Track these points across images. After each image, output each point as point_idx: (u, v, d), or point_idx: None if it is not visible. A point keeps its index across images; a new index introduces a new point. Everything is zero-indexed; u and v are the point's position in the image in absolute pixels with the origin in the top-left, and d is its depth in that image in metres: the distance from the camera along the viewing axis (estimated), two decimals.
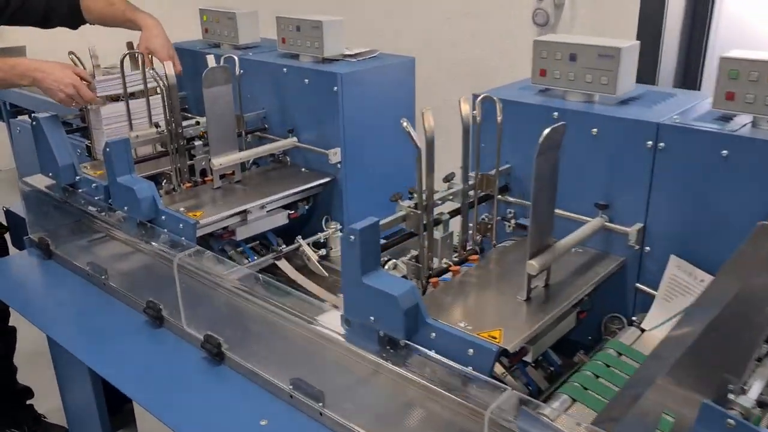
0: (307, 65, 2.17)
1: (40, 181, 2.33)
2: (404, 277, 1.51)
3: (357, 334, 1.41)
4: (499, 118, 1.59)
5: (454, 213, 1.65)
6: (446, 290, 1.48)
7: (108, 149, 1.92)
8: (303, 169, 2.23)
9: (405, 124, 1.38)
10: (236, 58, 2.13)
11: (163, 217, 1.92)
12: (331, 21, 2.13)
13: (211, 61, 2.09)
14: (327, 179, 2.15)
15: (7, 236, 2.71)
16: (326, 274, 2.07)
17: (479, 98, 1.59)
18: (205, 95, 1.98)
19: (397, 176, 2.36)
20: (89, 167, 2.26)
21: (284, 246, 2.08)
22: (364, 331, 1.38)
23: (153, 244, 1.88)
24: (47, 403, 2.89)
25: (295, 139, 2.22)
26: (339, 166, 2.13)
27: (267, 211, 2.05)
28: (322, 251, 2.15)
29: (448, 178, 1.63)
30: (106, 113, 2.25)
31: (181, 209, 1.92)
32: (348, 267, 1.34)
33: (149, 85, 2.22)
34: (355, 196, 2.20)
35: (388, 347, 1.35)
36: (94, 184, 2.15)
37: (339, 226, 2.19)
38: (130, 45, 2.38)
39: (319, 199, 2.20)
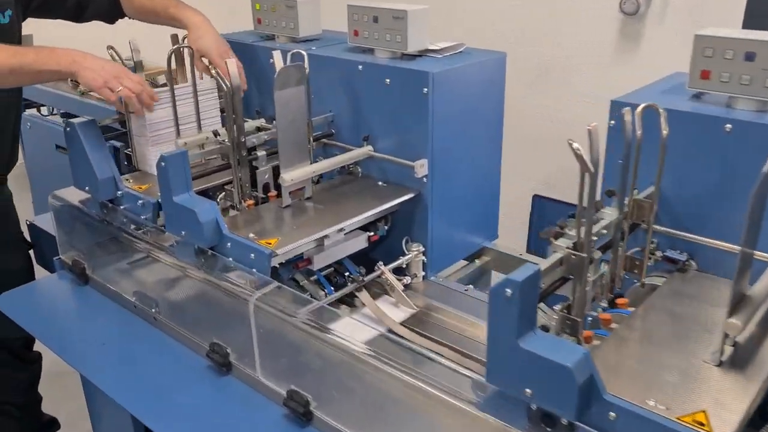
0: (387, 62, 1.86)
1: (73, 195, 2.03)
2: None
3: (493, 404, 1.16)
4: (664, 132, 1.30)
5: (604, 248, 1.35)
6: (608, 350, 1.22)
7: (163, 163, 1.61)
8: (380, 183, 1.93)
9: (575, 146, 1.09)
10: (305, 54, 1.82)
11: (229, 245, 1.62)
12: (416, 10, 1.82)
13: (278, 57, 1.78)
14: (411, 195, 1.84)
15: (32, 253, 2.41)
16: (414, 308, 1.78)
17: (639, 108, 1.29)
18: (276, 99, 1.67)
19: (484, 190, 2.07)
20: (131, 180, 1.96)
21: (364, 274, 1.77)
22: (504, 401, 1.14)
23: (222, 278, 1.58)
24: None
25: (370, 147, 1.92)
26: (425, 179, 1.82)
27: (344, 234, 1.75)
28: (406, 279, 1.85)
29: (598, 207, 1.33)
30: (152, 118, 1.94)
31: (251, 235, 1.61)
32: (499, 327, 1.09)
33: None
34: (440, 214, 1.90)
35: (542, 425, 1.11)
36: (140, 201, 1.85)
37: (422, 248, 1.89)
38: (175, 38, 2.07)
39: (398, 217, 1.89)
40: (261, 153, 1.84)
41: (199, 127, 2.05)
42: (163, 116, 1.97)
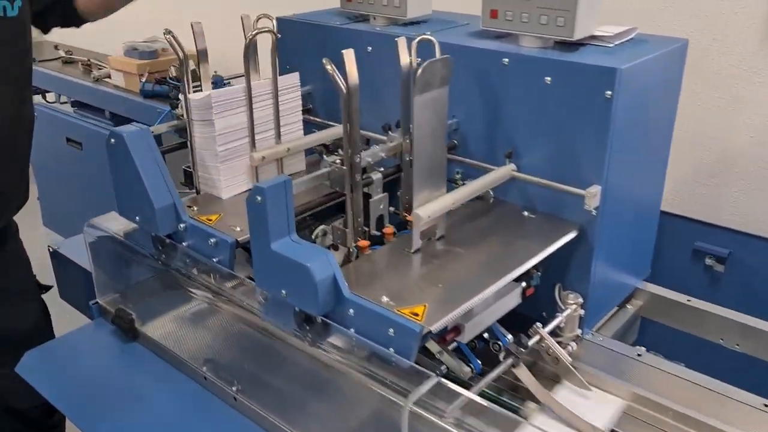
0: (543, 54, 1.39)
1: (115, 223, 1.57)
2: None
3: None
4: None
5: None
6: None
7: (259, 198, 1.14)
8: (525, 213, 1.46)
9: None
10: (434, 41, 1.35)
11: (351, 311, 1.16)
12: None
13: (402, 45, 1.31)
14: (574, 233, 1.38)
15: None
16: (590, 387, 1.33)
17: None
18: (415, 105, 1.20)
19: (645, 216, 1.62)
20: (195, 209, 1.49)
21: (520, 342, 1.31)
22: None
23: (346, 360, 1.13)
24: None
25: (513, 167, 1.45)
26: (594, 212, 1.36)
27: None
28: (571, 346, 1.40)
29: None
30: (225, 127, 1.47)
31: (384, 299, 1.15)
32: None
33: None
34: (605, 254, 1.44)
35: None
36: (211, 240, 1.38)
37: (580, 299, 1.43)
38: (247, 20, 1.58)
39: (552, 259, 1.43)
40: (376, 176, 1.37)
41: (278, 135, 1.58)
42: (236, 124, 1.50)
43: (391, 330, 1.12)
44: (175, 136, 1.66)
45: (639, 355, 1.44)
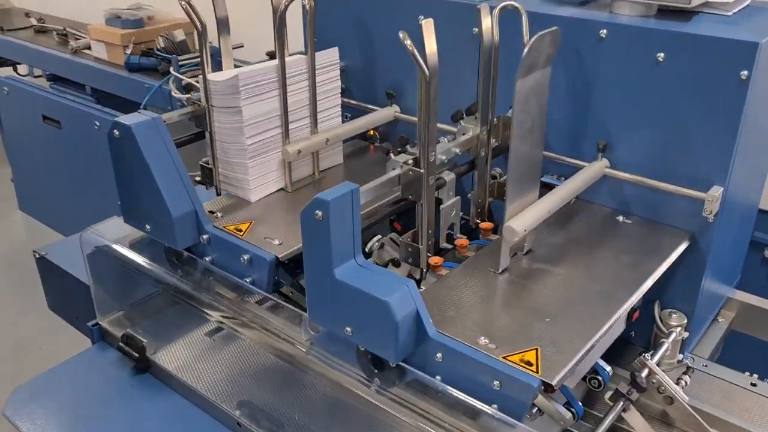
0: (656, 24, 1.13)
1: (118, 231, 1.29)
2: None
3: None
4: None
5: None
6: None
7: (324, 211, 0.88)
8: (619, 218, 1.22)
9: None
10: (521, 8, 1.08)
11: (438, 356, 0.91)
12: None
13: (485, 13, 1.04)
14: (686, 243, 1.14)
15: None
16: (710, 429, 1.10)
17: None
18: (517, 90, 0.94)
19: (745, 220, 1.38)
20: (218, 215, 1.22)
21: (635, 382, 1.07)
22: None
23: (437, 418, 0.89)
24: None
25: (606, 162, 1.20)
26: (711, 218, 1.12)
27: None
28: (684, 380, 1.16)
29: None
30: (252, 115, 1.19)
31: (482, 341, 0.90)
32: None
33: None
34: (714, 267, 1.21)
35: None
36: (244, 256, 1.12)
37: (684, 321, 1.20)
38: None
39: None
40: (449, 176, 1.11)
41: (315, 124, 1.31)
42: (267, 111, 1.22)
43: (496, 383, 0.87)
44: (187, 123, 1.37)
45: (754, 384, 1.21)
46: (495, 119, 1.15)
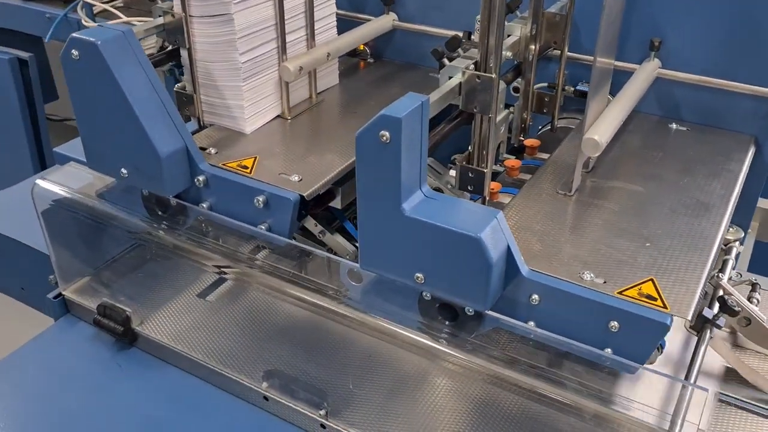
0: None
1: (81, 179, 1.05)
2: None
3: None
4: None
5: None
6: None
7: (393, 131, 0.69)
8: (673, 126, 1.09)
9: None
10: None
11: (535, 298, 0.75)
12: None
13: None
14: (752, 148, 1.03)
15: None
16: None
17: None
18: None
19: None
20: (212, 151, 1.00)
21: (727, 307, 0.95)
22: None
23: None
24: None
25: (658, 62, 1.06)
26: None
27: None
28: (756, 297, 1.06)
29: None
30: (245, 25, 0.97)
31: (587, 276, 0.75)
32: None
33: None
34: None
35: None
36: (259, 198, 0.91)
37: (741, 234, 1.10)
38: None
39: None
40: (501, 86, 0.93)
41: (312, 36, 1.10)
42: (260, 20, 1.00)
43: (614, 324, 0.73)
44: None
45: None
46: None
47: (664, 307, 0.72)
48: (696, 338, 0.87)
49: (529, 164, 1.00)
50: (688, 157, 1.00)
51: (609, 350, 0.74)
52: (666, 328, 0.71)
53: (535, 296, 0.76)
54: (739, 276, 1.18)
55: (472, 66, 0.82)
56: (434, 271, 0.76)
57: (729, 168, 0.97)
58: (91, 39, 0.88)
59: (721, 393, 0.86)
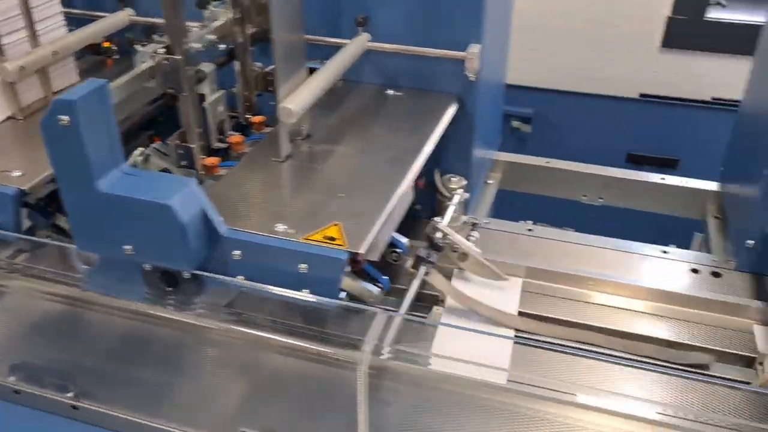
0: None
1: None
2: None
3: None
4: None
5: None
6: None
7: (70, 114, 0.74)
8: (389, 91, 1.21)
9: None
10: None
11: (236, 253, 0.84)
12: None
13: None
14: (455, 106, 1.17)
15: None
16: (506, 277, 1.16)
17: None
18: None
19: (499, 86, 1.46)
20: None
21: (432, 244, 1.08)
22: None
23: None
24: None
25: (368, 36, 1.17)
26: (474, 77, 1.15)
27: None
28: (473, 235, 1.21)
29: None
30: None
31: (279, 228, 0.85)
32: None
33: None
34: (481, 128, 1.25)
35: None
36: None
37: (464, 183, 1.25)
38: None
39: None
40: (209, 67, 1.00)
41: (33, 34, 1.12)
42: None
43: (303, 266, 0.82)
44: None
45: (530, 230, 1.31)
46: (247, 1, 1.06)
47: (342, 244, 0.82)
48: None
49: (255, 139, 1.08)
50: (397, 119, 1.13)
51: (306, 291, 0.83)
52: (342, 263, 0.81)
53: (236, 252, 0.84)
54: (473, 219, 1.33)
55: (163, 50, 0.88)
56: (139, 240, 0.82)
57: (429, 125, 1.10)
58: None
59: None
